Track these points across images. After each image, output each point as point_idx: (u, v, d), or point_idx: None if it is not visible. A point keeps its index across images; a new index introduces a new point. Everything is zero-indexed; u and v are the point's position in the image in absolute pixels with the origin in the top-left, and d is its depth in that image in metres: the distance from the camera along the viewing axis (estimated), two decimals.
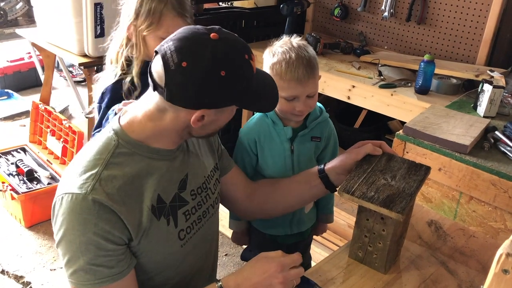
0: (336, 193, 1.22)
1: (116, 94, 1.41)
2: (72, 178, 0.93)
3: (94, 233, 0.89)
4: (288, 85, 1.28)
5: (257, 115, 1.43)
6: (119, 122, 0.99)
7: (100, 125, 1.41)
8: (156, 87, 0.92)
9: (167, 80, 0.89)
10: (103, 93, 1.44)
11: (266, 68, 1.33)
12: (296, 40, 1.33)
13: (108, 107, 1.37)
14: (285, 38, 1.34)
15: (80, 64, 2.48)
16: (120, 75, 1.44)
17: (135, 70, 1.43)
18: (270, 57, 1.31)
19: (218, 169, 1.21)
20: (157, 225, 0.99)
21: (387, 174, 1.10)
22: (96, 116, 1.50)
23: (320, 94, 2.32)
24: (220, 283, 0.99)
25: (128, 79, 1.42)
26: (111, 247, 0.92)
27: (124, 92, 1.41)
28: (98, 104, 1.47)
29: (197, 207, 1.09)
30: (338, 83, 2.25)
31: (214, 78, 0.88)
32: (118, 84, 1.43)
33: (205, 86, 0.89)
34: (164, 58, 0.89)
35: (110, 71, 1.47)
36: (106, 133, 0.98)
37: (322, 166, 1.25)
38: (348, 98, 2.24)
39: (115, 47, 1.47)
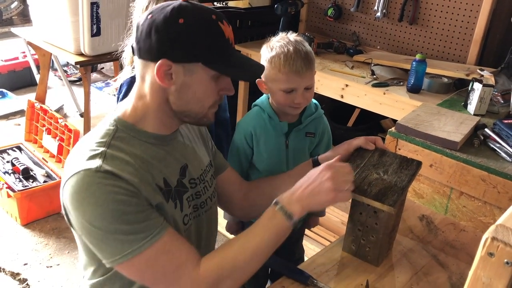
0: None
1: (131, 87, 1.50)
2: (77, 162, 0.91)
3: (119, 193, 0.88)
4: (287, 77, 1.31)
5: (254, 109, 1.46)
6: (117, 111, 1.02)
7: None
8: (133, 52, 0.97)
9: (137, 34, 0.94)
10: (121, 85, 1.56)
11: (264, 62, 1.36)
12: (292, 35, 1.37)
13: (124, 98, 1.48)
14: (281, 34, 1.38)
15: (76, 63, 2.49)
16: None
17: None
18: (268, 52, 1.34)
19: (212, 166, 1.22)
20: (166, 207, 0.99)
21: (380, 169, 1.13)
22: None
23: (314, 93, 2.35)
24: (276, 199, 1.02)
25: None
26: (142, 201, 0.91)
27: None
28: (116, 96, 1.60)
29: (195, 196, 1.10)
30: (331, 82, 2.28)
31: (174, 25, 0.90)
32: (134, 78, 1.51)
33: (164, 32, 0.90)
34: (138, 23, 0.96)
35: (128, 70, 1.57)
36: (105, 121, 1.01)
37: (316, 157, 1.28)
38: (342, 97, 2.27)
39: (129, 51, 1.55)
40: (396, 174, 1.11)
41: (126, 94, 1.50)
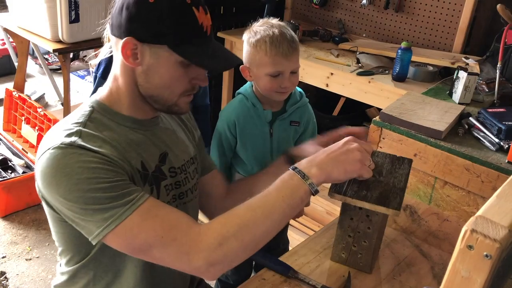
0: None
1: (110, 65, 1.49)
2: (51, 141, 0.88)
3: (93, 161, 0.85)
4: (274, 60, 1.29)
5: (237, 98, 1.43)
6: (96, 94, 1.01)
7: (95, 92, 1.48)
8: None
9: (112, 11, 0.94)
10: (99, 64, 1.53)
11: (249, 47, 1.33)
12: (274, 20, 1.36)
13: (102, 76, 1.48)
14: (263, 19, 1.36)
15: (54, 50, 2.42)
16: None
17: None
18: (252, 36, 1.32)
19: (197, 160, 1.18)
20: (143, 190, 0.95)
21: (373, 170, 1.04)
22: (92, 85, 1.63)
23: (299, 82, 2.32)
24: (293, 165, 0.93)
25: None
26: (119, 170, 0.88)
27: None
28: (94, 74, 1.57)
29: (175, 186, 1.06)
30: (316, 70, 2.25)
31: (144, 4, 0.89)
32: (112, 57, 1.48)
33: (133, 10, 0.89)
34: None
35: (107, 47, 1.52)
36: (84, 104, 1.00)
37: (289, 153, 1.22)
38: (327, 85, 2.24)
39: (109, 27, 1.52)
40: (391, 175, 1.06)
41: (104, 73, 1.48)
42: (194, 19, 0.91)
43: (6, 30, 2.96)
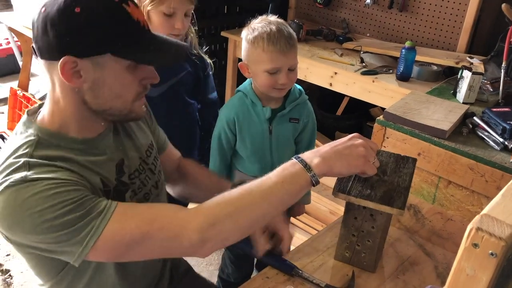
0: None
1: None
2: (0, 180, 0.82)
3: (52, 188, 0.79)
4: (271, 56, 1.29)
5: (237, 95, 1.44)
6: (34, 118, 0.94)
7: None
8: (35, 53, 0.86)
9: (33, 33, 0.84)
10: None
11: (247, 44, 1.34)
12: (273, 17, 1.36)
13: None
14: (261, 17, 1.37)
15: None
16: None
17: None
18: (250, 33, 1.33)
19: (154, 145, 1.13)
20: None
21: (377, 169, 1.04)
22: None
23: (302, 81, 2.33)
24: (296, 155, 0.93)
25: None
26: (80, 187, 0.83)
27: None
28: None
29: (137, 191, 1.01)
30: (320, 69, 2.25)
31: (70, 16, 0.80)
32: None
33: (61, 26, 0.80)
34: (32, 19, 0.84)
35: None
36: (21, 131, 0.92)
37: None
38: (330, 85, 2.24)
39: None
40: (395, 174, 1.06)
41: None
42: (128, 17, 0.84)
43: (10, 29, 2.97)
